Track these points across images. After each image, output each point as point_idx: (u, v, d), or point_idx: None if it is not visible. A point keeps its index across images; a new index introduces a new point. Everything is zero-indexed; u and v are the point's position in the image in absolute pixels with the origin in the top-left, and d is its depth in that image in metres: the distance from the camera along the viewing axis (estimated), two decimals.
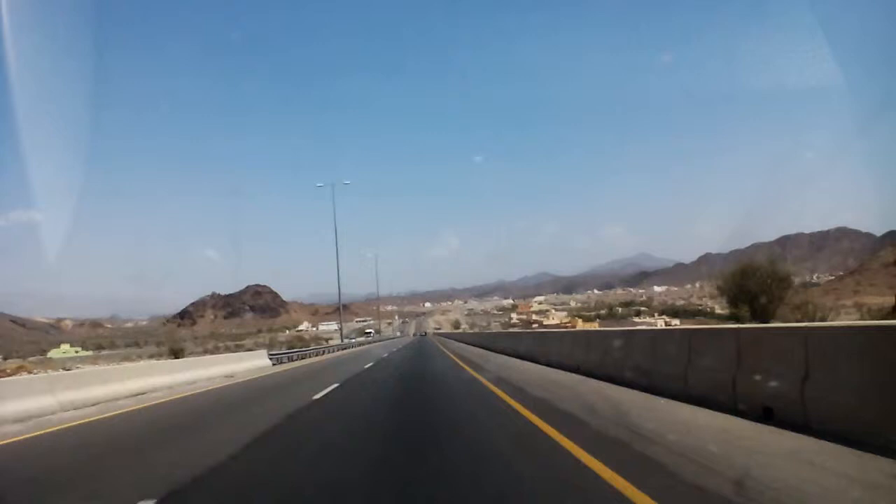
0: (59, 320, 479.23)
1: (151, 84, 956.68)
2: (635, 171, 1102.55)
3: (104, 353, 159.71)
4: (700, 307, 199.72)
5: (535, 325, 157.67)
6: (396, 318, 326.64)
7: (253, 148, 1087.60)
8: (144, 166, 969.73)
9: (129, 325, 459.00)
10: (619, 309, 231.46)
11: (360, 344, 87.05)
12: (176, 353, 66.41)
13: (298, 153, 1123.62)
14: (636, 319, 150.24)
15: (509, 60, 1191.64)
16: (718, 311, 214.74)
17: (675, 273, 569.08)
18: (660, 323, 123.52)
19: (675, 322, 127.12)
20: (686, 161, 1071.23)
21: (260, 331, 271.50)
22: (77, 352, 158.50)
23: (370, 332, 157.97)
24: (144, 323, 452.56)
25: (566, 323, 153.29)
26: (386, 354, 41.37)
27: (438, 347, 51.60)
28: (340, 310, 76.86)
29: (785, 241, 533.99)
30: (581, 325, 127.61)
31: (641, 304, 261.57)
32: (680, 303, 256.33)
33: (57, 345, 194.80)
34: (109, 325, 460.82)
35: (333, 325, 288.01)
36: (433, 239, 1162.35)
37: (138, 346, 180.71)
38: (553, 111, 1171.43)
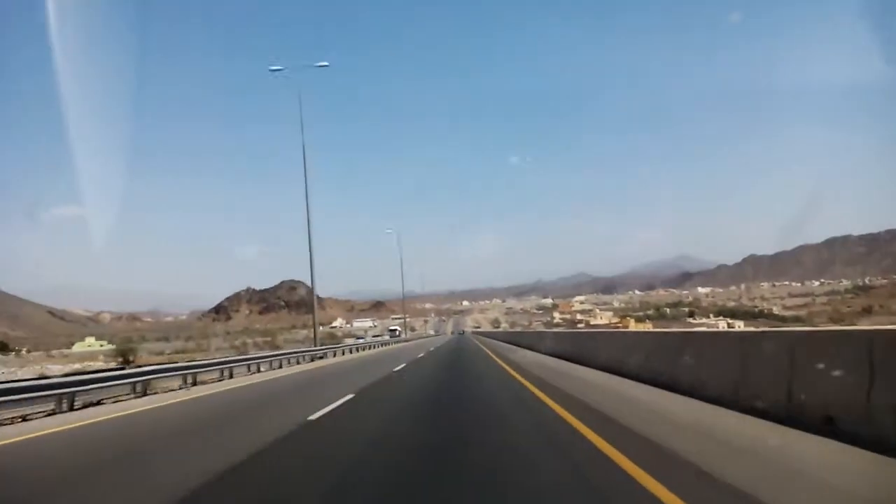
0: (98, 314, 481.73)
1: (191, 77, 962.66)
2: (674, 172, 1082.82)
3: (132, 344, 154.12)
4: (755, 308, 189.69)
5: (579, 325, 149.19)
6: (433, 315, 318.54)
7: (291, 141, 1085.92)
8: (185, 163, 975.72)
9: (169, 319, 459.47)
10: (668, 310, 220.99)
11: (370, 345, 63.86)
12: (125, 357, 56.33)
13: (333, 140, 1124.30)
14: (691, 321, 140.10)
15: (547, 57, 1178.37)
16: (776, 311, 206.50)
17: (718, 274, 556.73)
18: (721, 324, 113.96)
19: (739, 324, 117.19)
20: (727, 161, 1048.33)
21: (294, 326, 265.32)
22: (101, 345, 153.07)
23: (395, 330, 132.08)
24: (184, 317, 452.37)
25: (616, 323, 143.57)
26: (397, 368, 24.51)
27: (483, 352, 36.35)
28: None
29: (833, 243, 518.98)
30: (633, 326, 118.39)
31: (689, 304, 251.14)
32: (730, 304, 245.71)
33: (85, 338, 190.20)
34: (148, 320, 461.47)
35: (368, 322, 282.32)
36: (471, 238, 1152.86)
37: (167, 341, 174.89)
38: (591, 111, 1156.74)
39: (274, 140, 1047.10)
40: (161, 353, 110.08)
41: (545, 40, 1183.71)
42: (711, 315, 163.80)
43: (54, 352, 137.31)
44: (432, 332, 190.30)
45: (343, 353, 45.99)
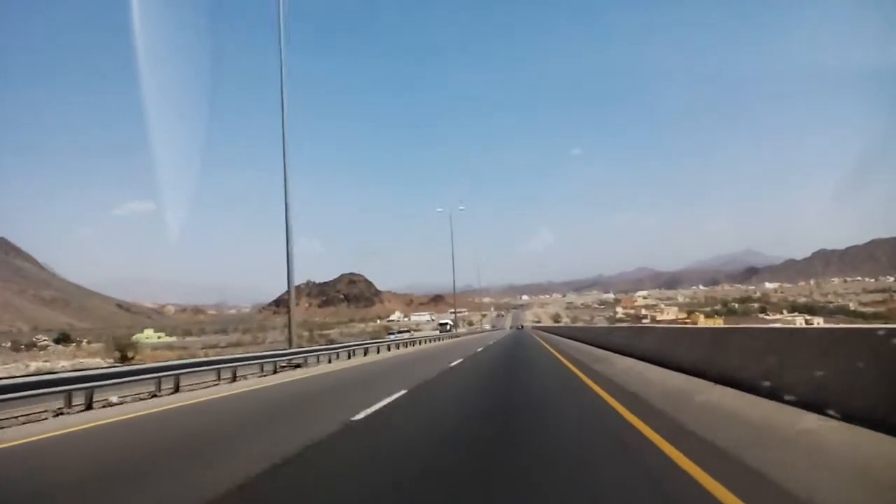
0: (163, 306, 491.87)
1: (261, 71, 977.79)
2: (740, 164, 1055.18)
3: (188, 339, 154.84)
4: (829, 304, 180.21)
5: (644, 320, 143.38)
6: (492, 310, 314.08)
7: (356, 136, 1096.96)
8: (252, 158, 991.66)
9: (233, 311, 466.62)
10: (736, 305, 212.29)
11: (401, 343, 49.21)
12: (123, 354, 52.14)
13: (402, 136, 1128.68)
14: (765, 317, 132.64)
15: (606, 52, 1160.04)
16: (852, 307, 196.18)
17: (786, 269, 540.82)
18: (798, 321, 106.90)
19: (818, 321, 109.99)
20: (795, 154, 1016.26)
21: (352, 320, 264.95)
22: (160, 337, 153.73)
23: (446, 324, 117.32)
24: (247, 310, 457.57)
25: (683, 319, 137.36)
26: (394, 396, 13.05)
27: (548, 354, 27.51)
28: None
29: None
30: (703, 322, 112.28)
31: (757, 300, 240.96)
32: (802, 299, 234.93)
33: (143, 329, 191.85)
34: (213, 312, 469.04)
35: (426, 316, 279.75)
36: (531, 232, 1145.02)
37: (225, 334, 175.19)
38: (651, 105, 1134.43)
39: (340, 134, 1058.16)
40: (215, 346, 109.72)
41: (610, 28, 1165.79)
42: (785, 311, 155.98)
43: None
44: (488, 327, 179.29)
45: (351, 356, 33.52)
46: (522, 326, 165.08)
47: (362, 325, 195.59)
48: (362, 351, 36.40)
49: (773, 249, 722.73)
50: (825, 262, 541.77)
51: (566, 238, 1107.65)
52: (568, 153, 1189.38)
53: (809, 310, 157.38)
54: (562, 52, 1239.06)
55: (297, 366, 26.40)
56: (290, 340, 29.74)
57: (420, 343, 57.51)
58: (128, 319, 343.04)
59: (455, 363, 23.40)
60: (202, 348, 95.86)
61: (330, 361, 29.56)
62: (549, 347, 34.05)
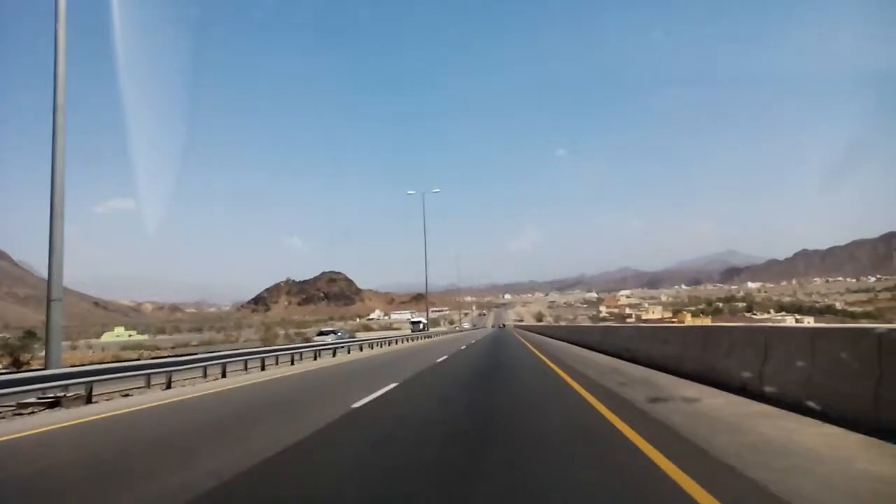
0: (140, 304, 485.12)
1: (244, 74, 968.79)
2: (720, 167, 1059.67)
3: (160, 337, 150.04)
4: (815, 304, 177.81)
5: (629, 320, 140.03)
6: (474, 308, 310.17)
7: (340, 133, 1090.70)
8: (234, 157, 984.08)
9: (213, 310, 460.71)
10: (720, 304, 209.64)
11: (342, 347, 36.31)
12: (15, 359, 40.61)
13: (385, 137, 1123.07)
14: (753, 316, 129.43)
15: (593, 55, 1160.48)
16: (839, 307, 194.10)
17: (769, 269, 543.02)
18: (789, 320, 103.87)
19: (808, 320, 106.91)
20: (775, 155, 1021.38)
21: (331, 318, 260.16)
22: (130, 336, 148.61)
23: (419, 323, 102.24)
24: (227, 308, 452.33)
25: (670, 318, 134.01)
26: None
27: (539, 364, 20.31)
28: None
29: (890, 238, 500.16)
30: (690, 321, 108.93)
31: (741, 299, 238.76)
32: (786, 299, 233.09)
33: (114, 328, 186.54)
34: (192, 310, 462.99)
35: (407, 314, 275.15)
36: (514, 232, 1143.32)
37: (199, 332, 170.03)
38: (635, 108, 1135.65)
39: (318, 132, 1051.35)
40: (187, 345, 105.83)
41: (597, 31, 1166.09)
42: (772, 310, 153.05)
43: (81, 342, 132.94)
44: (468, 326, 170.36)
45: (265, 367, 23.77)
46: (504, 325, 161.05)
47: (341, 324, 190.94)
48: (287, 358, 27.40)
49: (754, 250, 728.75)
50: (807, 262, 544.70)
51: (549, 238, 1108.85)
52: (553, 154, 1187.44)
53: (798, 309, 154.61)
54: (548, 55, 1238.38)
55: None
56: None
57: (382, 345, 44.96)
58: (103, 318, 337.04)
59: (408, 377, 16.22)
60: (173, 347, 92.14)
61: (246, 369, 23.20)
62: (532, 348, 29.74)
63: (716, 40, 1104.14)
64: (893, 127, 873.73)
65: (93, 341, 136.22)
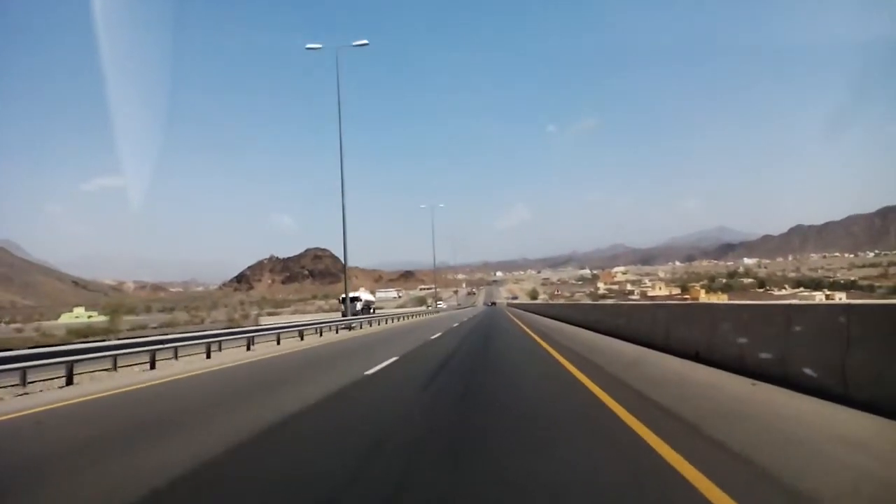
0: (122, 283, 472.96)
1: (226, 50, 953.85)
2: (710, 144, 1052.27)
3: (128, 318, 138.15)
4: (828, 278, 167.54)
5: (631, 297, 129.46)
6: (464, 286, 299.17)
7: (325, 108, 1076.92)
8: (218, 135, 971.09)
9: (200, 289, 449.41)
10: (724, 280, 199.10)
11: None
12: None
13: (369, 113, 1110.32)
14: (773, 292, 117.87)
15: (584, 31, 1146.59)
16: (854, 281, 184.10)
17: (763, 245, 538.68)
18: (818, 297, 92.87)
19: (840, 296, 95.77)
20: (765, 132, 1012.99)
21: (315, 296, 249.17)
22: (90, 317, 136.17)
23: (358, 301, 73.39)
24: (214, 288, 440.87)
25: (680, 295, 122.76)
26: None
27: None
28: None
29: (886, 213, 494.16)
30: (704, 298, 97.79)
31: (745, 275, 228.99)
32: (791, 274, 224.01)
33: (71, 308, 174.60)
34: (178, 290, 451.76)
35: (393, 293, 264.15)
36: (504, 210, 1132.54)
37: (170, 312, 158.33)
38: (626, 83, 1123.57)
39: (304, 110, 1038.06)
40: (145, 327, 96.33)
41: (588, 5, 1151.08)
42: (787, 286, 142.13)
43: (34, 324, 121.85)
44: (443, 307, 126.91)
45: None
46: (495, 303, 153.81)
47: (321, 303, 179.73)
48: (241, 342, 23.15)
49: (745, 226, 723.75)
50: (802, 237, 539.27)
51: (541, 215, 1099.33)
52: (543, 130, 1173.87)
53: (817, 284, 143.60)
54: (539, 30, 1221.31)
55: None
56: None
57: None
58: (81, 297, 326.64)
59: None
60: (130, 329, 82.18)
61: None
62: (538, 339, 20.62)
63: (703, 15, 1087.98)
64: (884, 99, 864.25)
65: (47, 323, 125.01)
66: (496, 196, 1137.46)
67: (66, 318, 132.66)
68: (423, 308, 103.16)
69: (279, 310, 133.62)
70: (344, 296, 53.90)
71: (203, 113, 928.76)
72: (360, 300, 75.64)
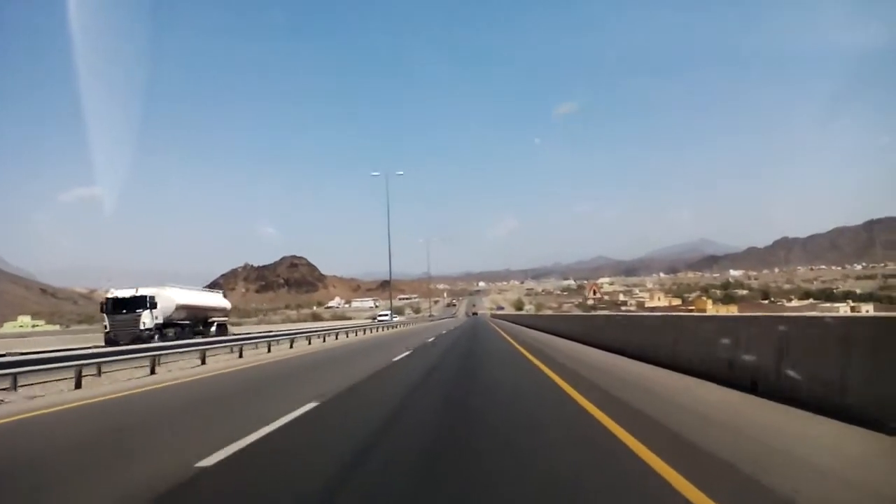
0: (93, 291, 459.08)
1: (199, 59, 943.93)
2: (693, 156, 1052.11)
3: (80, 326, 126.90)
4: (834, 289, 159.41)
5: (623, 308, 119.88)
6: (445, 296, 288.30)
7: (305, 118, 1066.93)
8: (193, 140, 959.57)
9: None
10: (717, 292, 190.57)
11: None
12: None
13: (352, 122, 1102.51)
14: (786, 304, 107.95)
15: (570, 41, 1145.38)
16: (859, 292, 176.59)
17: (748, 257, 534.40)
18: (843, 309, 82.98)
19: (867, 308, 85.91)
20: (749, 145, 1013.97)
21: (288, 306, 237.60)
22: (34, 326, 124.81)
23: (146, 311, 35.25)
24: None
25: (683, 306, 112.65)
26: None
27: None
28: None
29: (872, 226, 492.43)
30: (712, 310, 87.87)
31: (740, 286, 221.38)
32: (786, 286, 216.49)
33: (15, 317, 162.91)
34: None
35: (370, 302, 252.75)
36: (488, 220, 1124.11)
37: None
38: (611, 94, 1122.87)
39: (279, 117, 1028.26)
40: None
41: (572, 15, 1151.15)
42: (794, 298, 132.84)
43: None
44: (399, 319, 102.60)
45: None
46: (477, 314, 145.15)
47: (292, 313, 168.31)
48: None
49: (727, 239, 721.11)
50: (787, 250, 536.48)
51: (523, 226, 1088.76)
52: (530, 142, 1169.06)
53: (828, 296, 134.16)
54: (524, 40, 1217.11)
55: None
56: None
57: None
58: (46, 305, 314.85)
59: None
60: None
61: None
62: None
63: (694, 22, 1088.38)
64: (869, 110, 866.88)
65: None
66: (481, 206, 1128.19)
67: (9, 328, 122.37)
68: (366, 322, 76.38)
69: (241, 320, 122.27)
70: (107, 297, 35.40)
71: (179, 118, 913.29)
72: (157, 308, 36.19)
